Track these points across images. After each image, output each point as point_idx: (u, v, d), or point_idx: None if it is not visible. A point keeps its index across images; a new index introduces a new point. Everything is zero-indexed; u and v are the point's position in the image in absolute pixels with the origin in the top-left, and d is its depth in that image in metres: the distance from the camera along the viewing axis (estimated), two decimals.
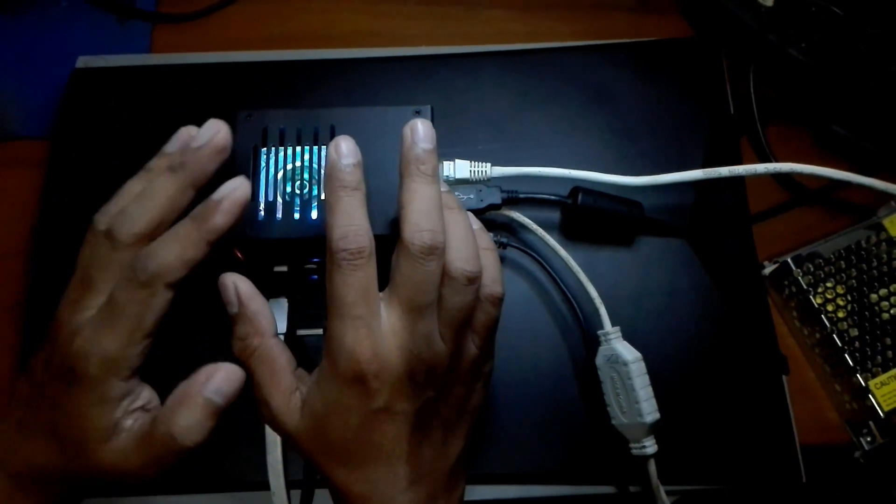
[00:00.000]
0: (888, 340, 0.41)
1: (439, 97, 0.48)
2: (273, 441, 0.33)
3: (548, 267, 0.42)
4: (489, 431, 0.40)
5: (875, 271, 0.42)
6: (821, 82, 0.47)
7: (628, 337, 0.39)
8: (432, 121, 0.36)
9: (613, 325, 0.39)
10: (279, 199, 0.34)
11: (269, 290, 0.35)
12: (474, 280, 0.29)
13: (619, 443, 0.39)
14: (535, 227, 0.42)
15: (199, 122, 0.31)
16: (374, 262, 0.28)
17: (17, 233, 0.47)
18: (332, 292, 0.28)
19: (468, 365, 0.31)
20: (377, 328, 0.28)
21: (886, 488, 0.44)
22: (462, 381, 0.31)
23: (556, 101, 0.48)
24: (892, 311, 0.42)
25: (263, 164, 0.34)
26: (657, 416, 0.38)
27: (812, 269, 0.43)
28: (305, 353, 0.32)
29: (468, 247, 0.29)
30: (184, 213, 0.29)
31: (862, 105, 0.47)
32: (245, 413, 0.29)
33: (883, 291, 0.42)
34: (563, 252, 0.41)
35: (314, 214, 0.33)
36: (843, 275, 0.43)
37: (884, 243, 0.43)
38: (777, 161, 0.47)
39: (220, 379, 0.28)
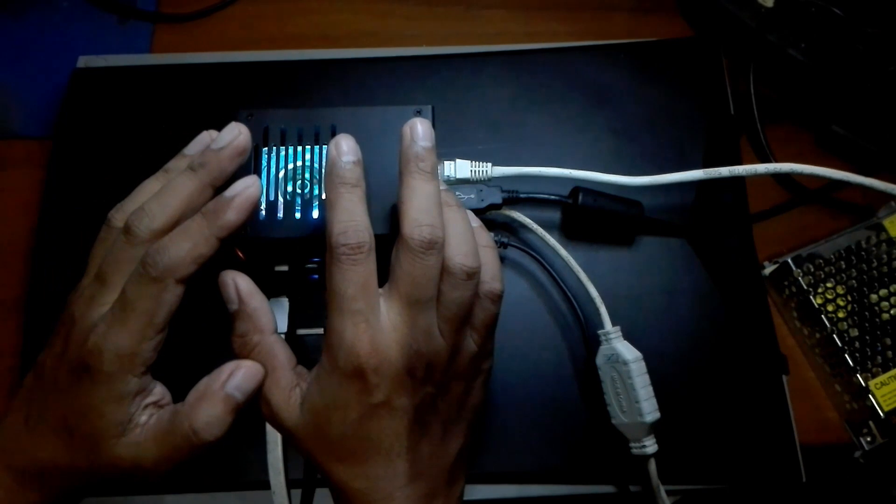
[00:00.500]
0: (888, 340, 0.41)
1: (439, 97, 0.48)
2: (273, 440, 0.33)
3: (548, 266, 0.42)
4: (490, 431, 0.40)
5: (875, 271, 0.42)
6: (820, 82, 0.47)
7: (628, 336, 0.39)
8: (433, 121, 0.36)
9: (614, 324, 0.39)
10: (280, 199, 0.34)
11: (270, 289, 0.35)
12: (473, 275, 0.29)
13: (620, 442, 0.39)
14: (535, 226, 0.42)
15: (199, 122, 0.31)
16: (373, 258, 0.28)
17: (18, 232, 0.47)
18: (332, 287, 0.28)
19: (467, 361, 0.31)
20: (376, 323, 0.28)
21: (886, 488, 0.44)
22: (461, 377, 0.31)
23: (557, 101, 0.48)
24: (891, 312, 0.42)
25: (265, 163, 0.34)
26: (657, 415, 0.38)
27: (812, 270, 0.43)
28: (306, 353, 0.32)
29: (467, 243, 0.30)
30: None
31: (861, 105, 0.47)
32: (246, 412, 0.29)
33: (883, 292, 0.42)
34: (563, 252, 0.41)
35: (315, 214, 0.33)
36: (843, 275, 0.43)
37: (884, 244, 0.43)
38: (777, 161, 0.47)
39: (241, 376, 0.28)
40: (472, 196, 0.40)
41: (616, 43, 0.50)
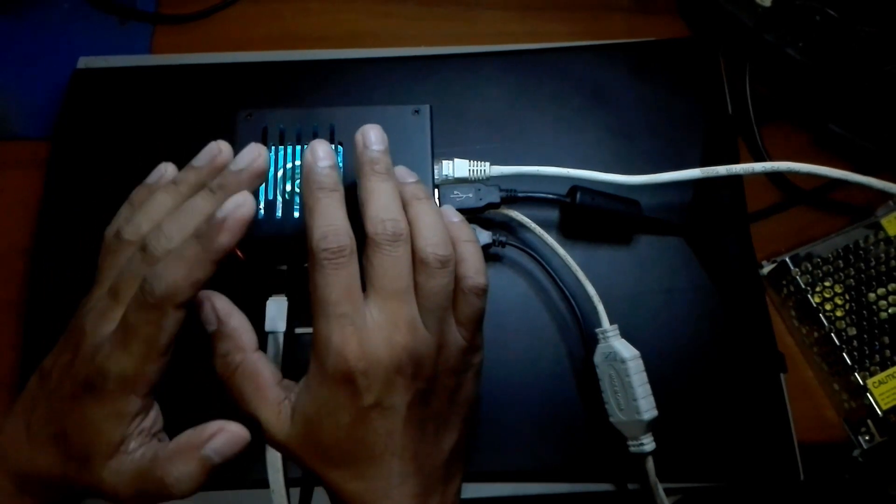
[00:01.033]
0: (886, 339, 0.41)
1: (438, 97, 0.48)
2: None
3: (546, 265, 0.42)
4: (487, 429, 0.40)
5: (873, 270, 0.43)
6: (818, 81, 0.47)
7: (626, 335, 0.39)
8: (431, 120, 0.37)
9: (611, 323, 0.39)
10: (279, 198, 0.34)
11: (269, 288, 0.35)
12: (446, 263, 0.30)
13: (618, 440, 0.39)
14: (533, 225, 0.42)
15: (199, 123, 0.32)
16: (355, 261, 0.29)
17: (18, 233, 0.47)
18: (316, 293, 0.28)
19: (456, 355, 0.31)
20: (362, 325, 0.28)
21: (884, 486, 0.44)
22: (451, 371, 0.31)
23: (555, 100, 0.48)
24: (889, 310, 0.42)
25: None
26: (655, 413, 0.38)
27: (810, 269, 0.43)
28: (304, 352, 0.32)
29: (436, 232, 0.30)
30: None
31: (859, 104, 0.47)
32: (243, 413, 0.29)
33: (881, 290, 0.42)
34: (561, 251, 0.41)
35: None
36: (841, 274, 0.43)
37: (882, 243, 0.43)
38: (773, 160, 0.47)
39: (222, 440, 0.28)
40: (471, 195, 0.40)
41: (614, 43, 0.50)
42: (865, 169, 0.40)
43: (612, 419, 0.39)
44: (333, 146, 0.32)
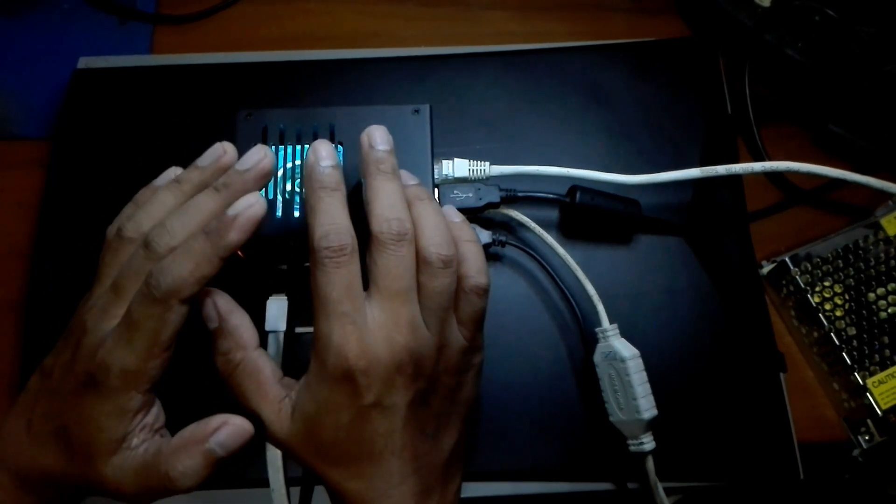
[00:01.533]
0: (886, 339, 0.41)
1: (438, 97, 0.48)
2: None
3: (546, 265, 0.42)
4: (487, 428, 0.40)
5: (873, 270, 0.43)
6: (817, 81, 0.47)
7: (626, 334, 0.39)
8: (431, 120, 0.37)
9: (611, 322, 0.39)
10: (279, 198, 0.34)
11: (270, 287, 0.35)
12: (449, 263, 0.30)
13: (617, 440, 0.39)
14: (533, 225, 0.42)
15: (199, 123, 0.32)
16: (356, 260, 0.29)
17: (18, 233, 0.47)
18: (317, 291, 0.28)
19: (457, 355, 0.31)
20: (363, 324, 0.28)
21: (884, 486, 0.44)
22: (452, 371, 0.31)
23: (555, 100, 0.48)
24: (889, 310, 0.42)
25: None
26: (655, 412, 0.38)
27: (810, 269, 0.43)
28: (304, 351, 0.32)
29: (439, 233, 0.30)
30: None
31: (858, 104, 0.47)
32: (244, 410, 0.29)
33: (880, 290, 0.42)
34: (561, 250, 0.41)
35: None
36: (840, 274, 0.43)
37: (881, 242, 0.43)
38: (773, 160, 0.47)
39: (226, 433, 0.28)
40: (470, 195, 0.40)
41: (614, 43, 0.50)
42: (865, 169, 0.40)
43: (611, 418, 0.39)
44: (333, 146, 0.32)
